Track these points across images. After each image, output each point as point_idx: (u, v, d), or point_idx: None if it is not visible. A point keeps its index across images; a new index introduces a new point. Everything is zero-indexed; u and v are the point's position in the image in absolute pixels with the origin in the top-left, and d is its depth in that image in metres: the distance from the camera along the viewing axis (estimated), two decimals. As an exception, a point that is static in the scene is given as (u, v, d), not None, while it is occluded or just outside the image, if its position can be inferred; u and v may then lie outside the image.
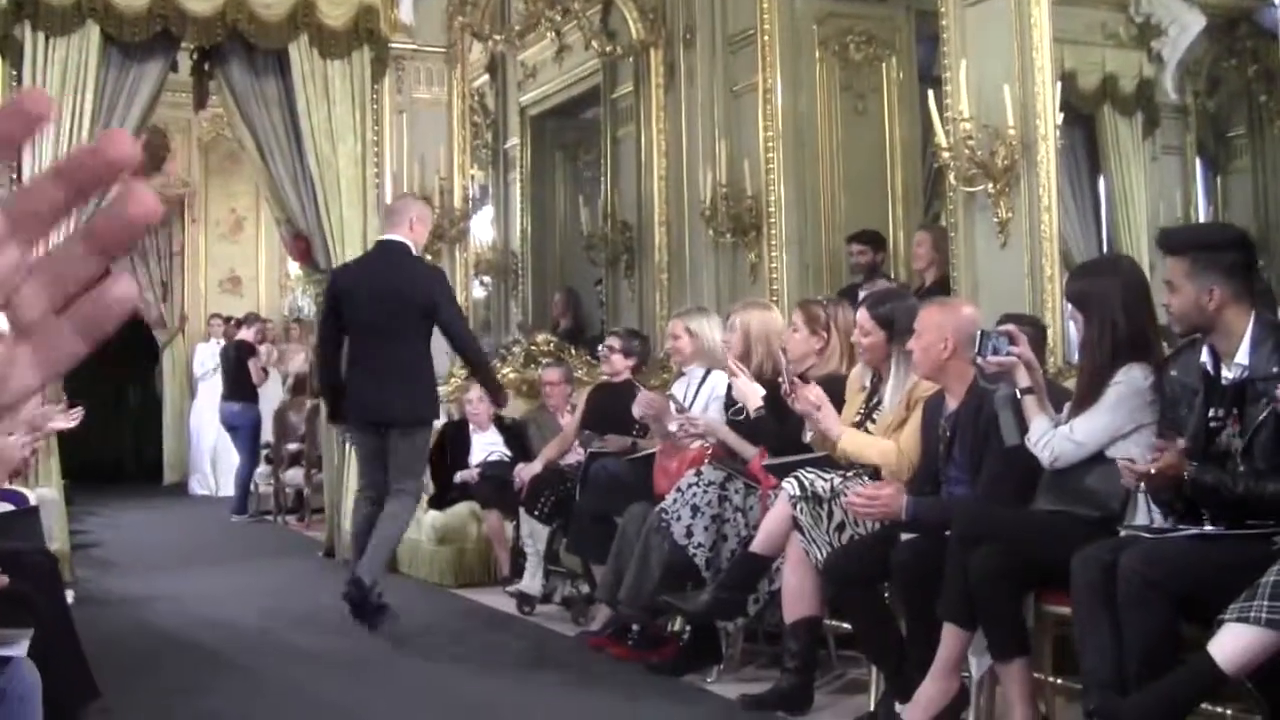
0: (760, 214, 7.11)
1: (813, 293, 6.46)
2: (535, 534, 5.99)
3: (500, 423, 7.05)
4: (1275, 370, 3.17)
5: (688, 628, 4.91)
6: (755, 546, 4.47)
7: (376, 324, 5.66)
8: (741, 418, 4.91)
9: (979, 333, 3.70)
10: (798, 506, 4.23)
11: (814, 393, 4.31)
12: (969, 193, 5.70)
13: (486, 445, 6.97)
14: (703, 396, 5.40)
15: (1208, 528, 3.21)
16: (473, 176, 8.52)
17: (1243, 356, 3.23)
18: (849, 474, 4.32)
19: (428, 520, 6.94)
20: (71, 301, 0.51)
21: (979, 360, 3.67)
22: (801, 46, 7.11)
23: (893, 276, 6.77)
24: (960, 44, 5.76)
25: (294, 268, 11.33)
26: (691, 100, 7.78)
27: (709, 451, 5.07)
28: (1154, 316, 3.69)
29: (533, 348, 8.10)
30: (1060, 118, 5.42)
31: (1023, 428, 3.67)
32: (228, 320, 12.28)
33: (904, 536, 3.90)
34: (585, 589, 5.78)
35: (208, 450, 12.45)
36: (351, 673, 5.00)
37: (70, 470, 7.58)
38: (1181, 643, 3.13)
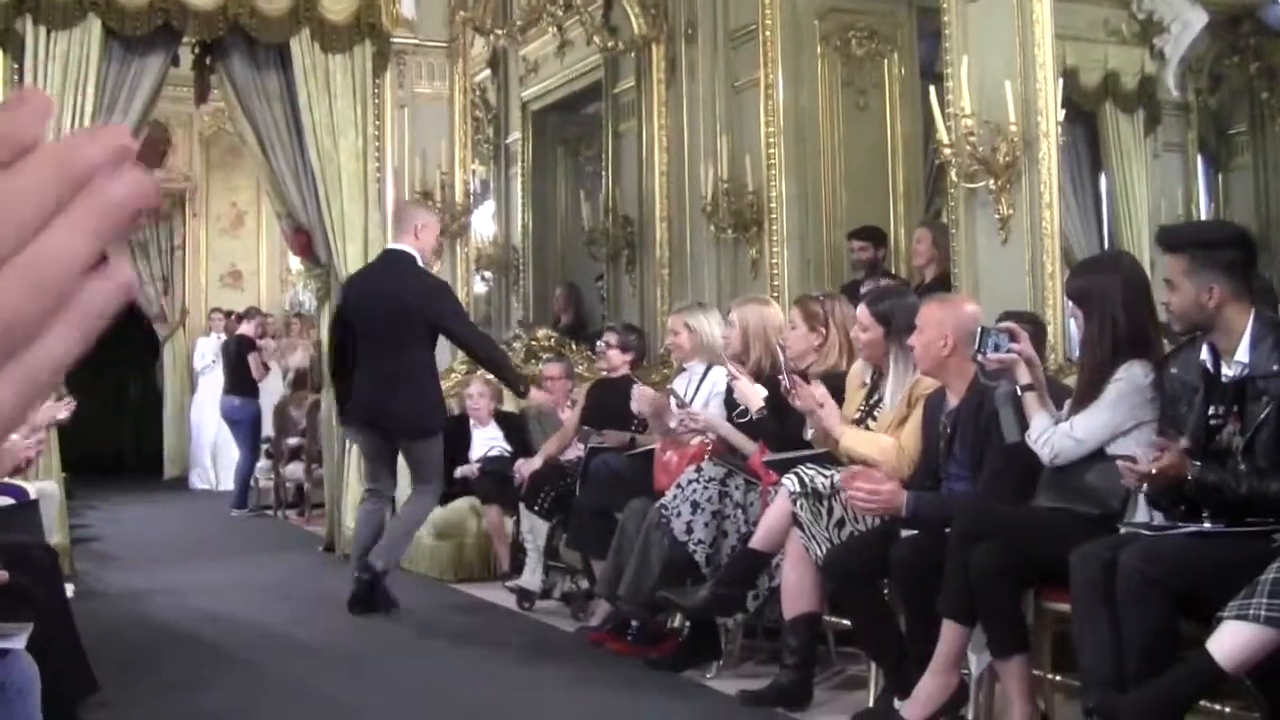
0: (761, 209, 7.11)
1: (814, 289, 6.45)
2: (535, 529, 6.00)
3: (501, 417, 7.06)
4: (1275, 368, 3.18)
5: (687, 623, 4.92)
6: (755, 542, 4.48)
7: (380, 334, 5.84)
8: (745, 420, 4.91)
9: (979, 330, 3.69)
10: (798, 503, 4.24)
11: (818, 391, 4.32)
12: (970, 189, 5.70)
13: (487, 440, 6.97)
14: (703, 392, 5.40)
15: (1207, 525, 3.21)
16: (474, 171, 8.52)
17: (1243, 354, 3.23)
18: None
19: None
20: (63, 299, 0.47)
21: (979, 357, 3.67)
22: (803, 42, 7.10)
23: (894, 272, 6.76)
24: (962, 40, 5.76)
25: (295, 262, 11.35)
26: (693, 95, 7.77)
27: (709, 447, 5.07)
28: (1154, 314, 3.69)
29: (533, 343, 8.11)
30: (1062, 114, 5.42)
31: (1023, 425, 3.67)
32: (228, 314, 12.29)
33: (904, 533, 3.91)
34: (585, 584, 5.79)
35: (208, 444, 12.45)
36: (351, 667, 5.01)
37: (70, 464, 7.59)
38: (1180, 640, 3.13)
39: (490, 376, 6.79)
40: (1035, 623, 3.60)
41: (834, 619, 4.42)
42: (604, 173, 8.88)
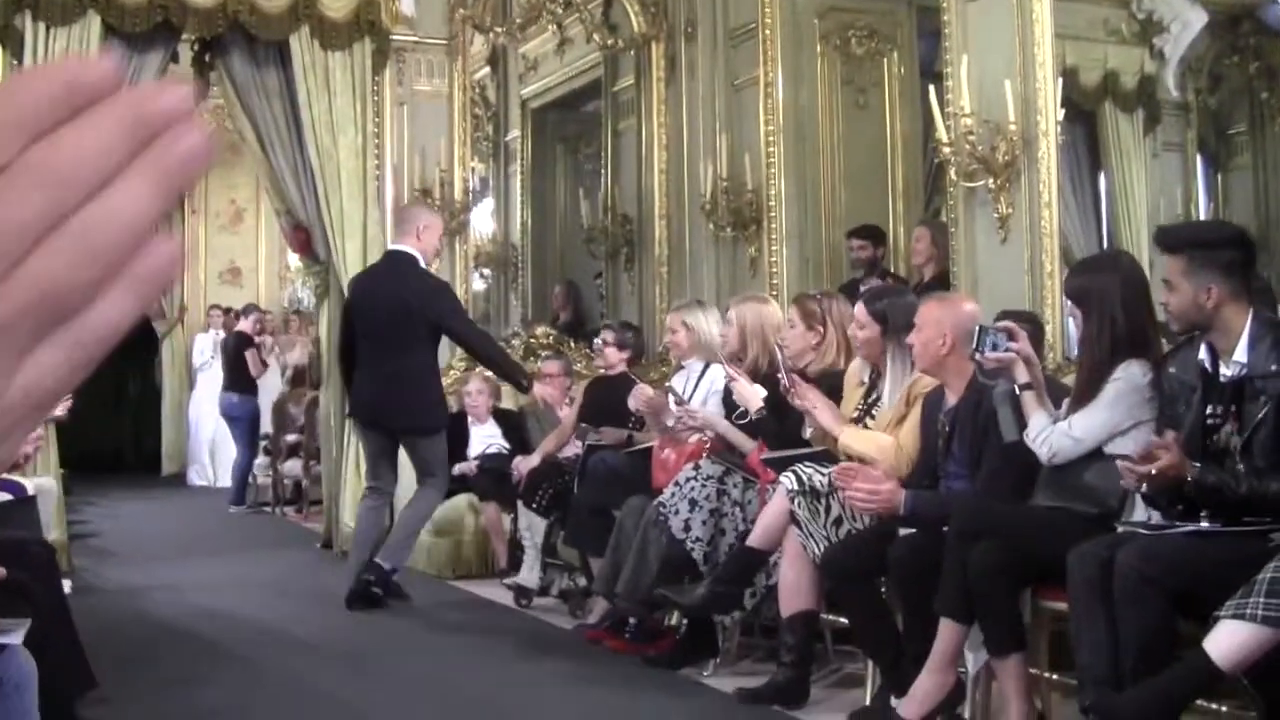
0: (760, 208, 7.11)
1: (813, 287, 6.45)
2: (533, 526, 6.00)
3: (499, 415, 7.07)
4: (1273, 368, 3.18)
5: (685, 621, 4.92)
6: (752, 541, 4.48)
7: (382, 335, 5.90)
8: (745, 421, 4.91)
9: (977, 328, 3.70)
10: (795, 501, 4.24)
11: (814, 393, 4.32)
12: (969, 188, 5.70)
13: (485, 437, 6.97)
14: (702, 390, 5.40)
15: (1204, 524, 3.21)
16: (473, 169, 8.51)
17: (1241, 354, 3.23)
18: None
19: (426, 512, 6.94)
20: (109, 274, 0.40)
21: (977, 356, 3.67)
22: (803, 41, 7.11)
23: (893, 271, 6.76)
24: (962, 39, 5.76)
25: (294, 259, 11.34)
26: (692, 94, 7.77)
27: (707, 445, 5.07)
28: (1153, 313, 3.69)
29: (532, 340, 8.12)
30: (1061, 114, 5.42)
31: (1021, 424, 3.67)
32: (227, 311, 12.28)
33: (902, 531, 3.91)
34: (583, 582, 5.79)
35: (206, 441, 12.45)
36: (349, 663, 5.01)
37: (69, 460, 7.58)
38: (1178, 639, 3.13)
39: (489, 374, 6.80)
40: (1033, 621, 3.61)
41: (831, 617, 4.43)
42: (603, 171, 8.88)
